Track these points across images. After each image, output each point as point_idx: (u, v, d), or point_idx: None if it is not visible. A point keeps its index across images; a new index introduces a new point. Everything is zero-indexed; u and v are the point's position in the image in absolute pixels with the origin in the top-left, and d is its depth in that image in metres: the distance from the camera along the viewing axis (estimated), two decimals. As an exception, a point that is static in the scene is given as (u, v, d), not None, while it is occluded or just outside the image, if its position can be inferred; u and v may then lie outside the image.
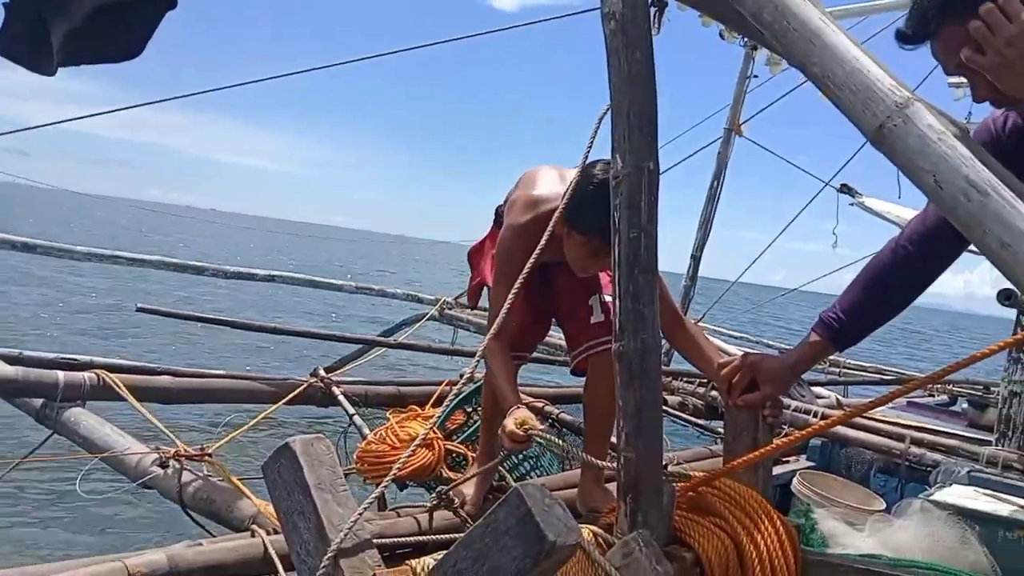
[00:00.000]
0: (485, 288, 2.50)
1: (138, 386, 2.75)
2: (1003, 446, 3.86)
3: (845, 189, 5.63)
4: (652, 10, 1.76)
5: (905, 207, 5.25)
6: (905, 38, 1.55)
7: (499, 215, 2.45)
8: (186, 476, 2.21)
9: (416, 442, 1.96)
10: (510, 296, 1.69)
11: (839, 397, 5.17)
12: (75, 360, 3.22)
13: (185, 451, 2.28)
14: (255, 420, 2.73)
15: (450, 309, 6.77)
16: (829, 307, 1.74)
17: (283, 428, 4.38)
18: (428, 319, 6.37)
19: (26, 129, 4.49)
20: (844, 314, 1.71)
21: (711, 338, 7.59)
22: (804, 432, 1.88)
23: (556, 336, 6.38)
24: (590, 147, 1.62)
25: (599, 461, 1.96)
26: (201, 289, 14.08)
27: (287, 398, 2.92)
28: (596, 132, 1.62)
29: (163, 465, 2.25)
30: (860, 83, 1.32)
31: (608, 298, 2.36)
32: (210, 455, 2.23)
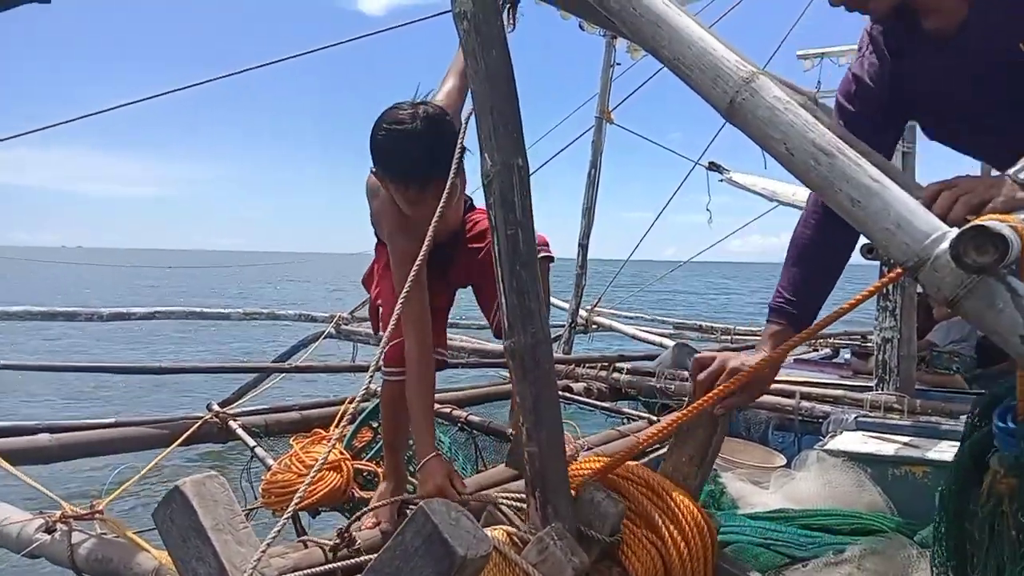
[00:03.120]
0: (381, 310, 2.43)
1: (12, 449, 2.55)
2: (882, 390, 4.15)
3: (713, 167, 5.89)
4: (505, 6, 1.77)
5: (770, 179, 5.54)
6: None
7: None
8: (76, 538, 2.05)
9: (317, 466, 1.90)
10: (414, 268, 1.61)
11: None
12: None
13: (72, 511, 2.12)
14: (148, 467, 2.57)
15: (347, 324, 6.65)
16: (774, 295, 1.74)
17: (183, 472, 4.16)
18: (325, 337, 6.23)
19: None
20: (794, 295, 1.72)
21: (611, 322, 7.71)
22: (700, 402, 1.85)
23: (456, 339, 6.38)
24: (461, 149, 1.62)
25: None
26: (77, 337, 13.22)
27: (181, 439, 2.77)
28: (464, 132, 1.61)
29: (49, 530, 2.08)
30: (708, 63, 1.37)
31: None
32: (101, 512, 2.08)
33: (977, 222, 1.10)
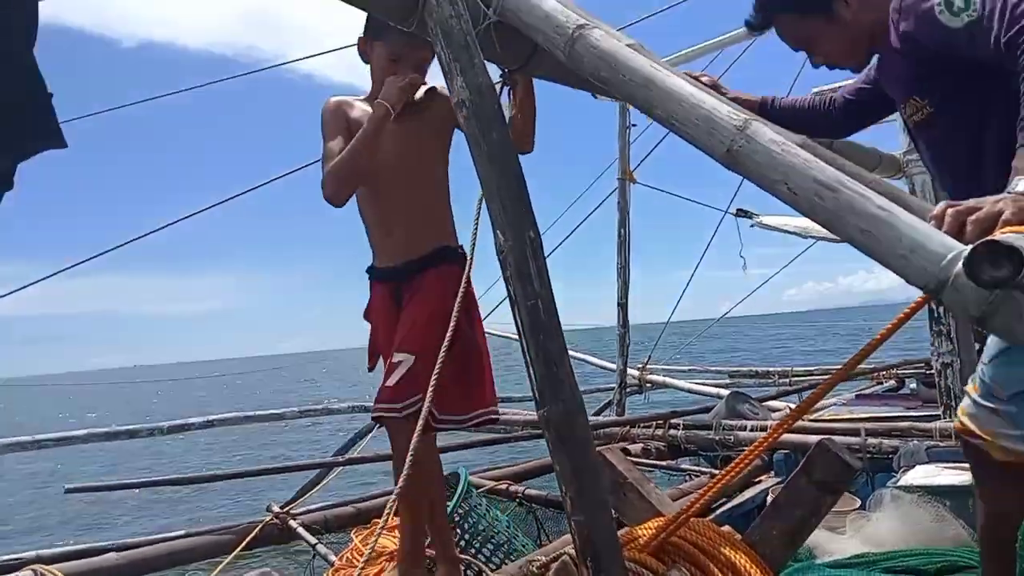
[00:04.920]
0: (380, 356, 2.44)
1: (84, 571, 2.60)
2: (949, 417, 3.98)
3: (742, 213, 5.88)
4: (504, 89, 1.85)
5: (799, 216, 5.48)
6: (752, 27, 1.98)
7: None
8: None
9: (363, 559, 1.91)
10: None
11: (791, 407, 5.26)
12: (17, 559, 3.05)
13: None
14: (213, 574, 2.60)
15: (400, 412, 6.65)
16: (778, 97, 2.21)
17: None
18: (381, 426, 6.24)
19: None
20: (778, 102, 2.20)
21: (664, 378, 7.57)
22: (753, 448, 1.80)
23: (508, 412, 6.35)
24: (476, 228, 1.67)
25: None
26: (143, 456, 13.50)
27: (243, 544, 2.79)
28: (479, 212, 1.67)
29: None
30: (700, 116, 1.41)
31: (399, 357, 2.25)
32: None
33: (987, 238, 1.09)
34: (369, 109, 2.27)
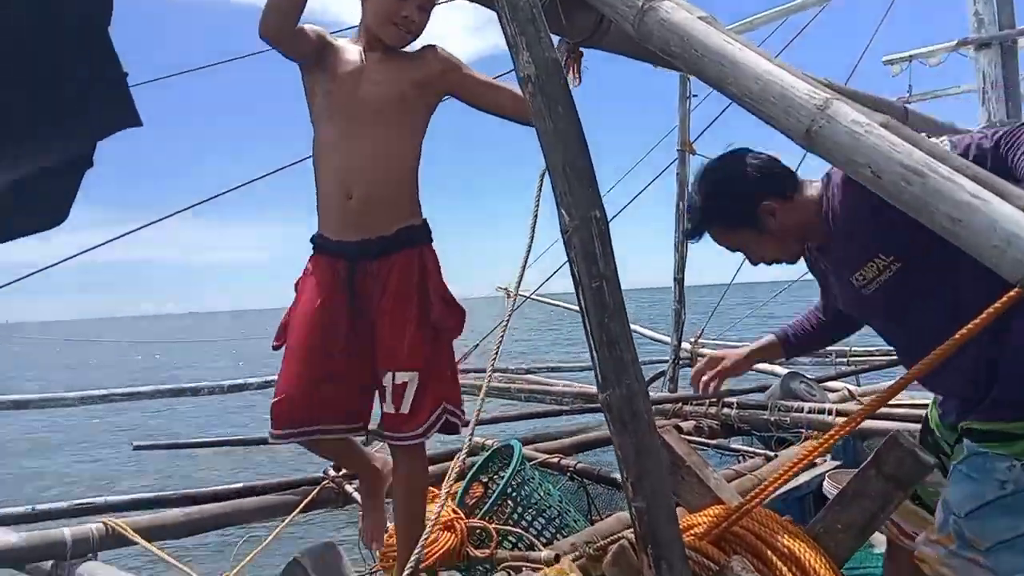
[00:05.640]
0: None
1: (149, 527, 2.70)
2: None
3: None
4: (569, 63, 1.80)
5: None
6: (689, 236, 2.08)
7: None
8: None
9: (428, 527, 1.93)
10: None
11: (850, 388, 5.13)
12: (89, 503, 3.19)
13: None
14: (271, 537, 2.67)
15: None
16: (784, 326, 2.31)
17: (302, 535, 4.27)
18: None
19: (50, 267, 4.26)
20: (794, 337, 2.28)
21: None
22: (830, 435, 1.57)
23: (559, 383, 6.34)
24: (536, 209, 1.64)
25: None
26: (203, 409, 13.94)
27: (299, 507, 2.87)
28: (540, 190, 1.64)
29: (185, 604, 2.20)
30: (777, 94, 1.34)
31: (403, 377, 2.08)
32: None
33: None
34: (354, 50, 2.11)
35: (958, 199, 1.20)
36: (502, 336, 1.97)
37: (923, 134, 1.36)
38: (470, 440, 2.19)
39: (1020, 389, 1.70)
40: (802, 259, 2.10)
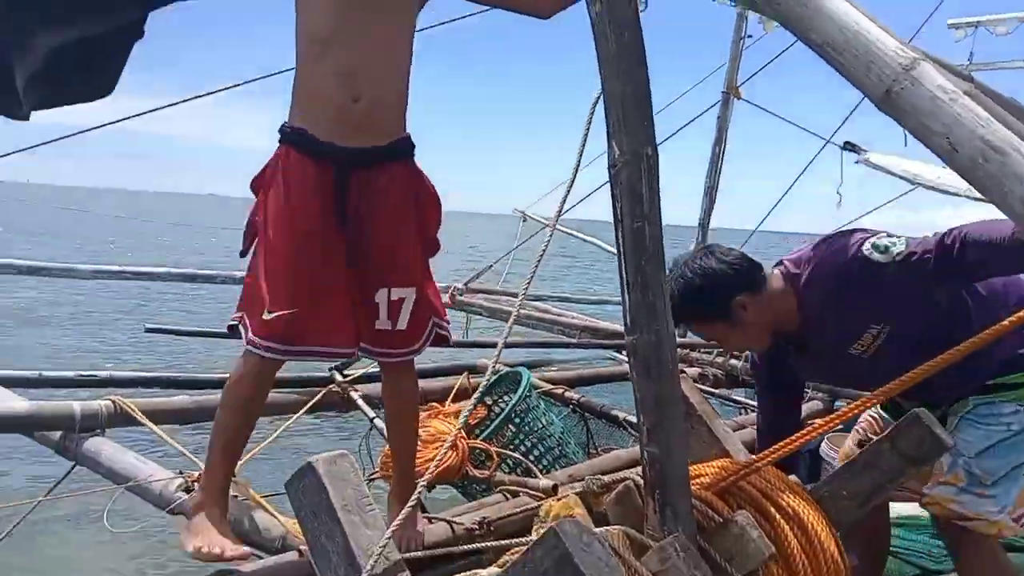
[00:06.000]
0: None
1: (156, 409, 2.73)
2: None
3: (849, 146, 5.50)
4: (639, -13, 1.70)
5: (912, 159, 5.14)
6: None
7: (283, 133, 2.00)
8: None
9: (444, 448, 1.94)
10: None
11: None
12: (95, 376, 3.25)
13: (209, 473, 2.25)
14: (276, 433, 2.71)
15: (460, 295, 6.74)
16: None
17: (304, 435, 4.35)
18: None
19: (86, 131, 4.15)
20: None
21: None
22: (854, 407, 1.60)
23: (567, 315, 6.34)
24: (586, 136, 1.57)
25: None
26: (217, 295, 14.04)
27: (305, 408, 2.90)
28: (591, 120, 1.57)
29: (188, 490, 2.23)
30: (861, 46, 1.26)
31: (401, 293, 2.01)
32: (235, 475, 2.20)
33: None
34: None
35: (1036, 183, 1.13)
36: (538, 261, 1.93)
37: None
38: (495, 364, 2.19)
39: (996, 361, 1.90)
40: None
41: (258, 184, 2.01)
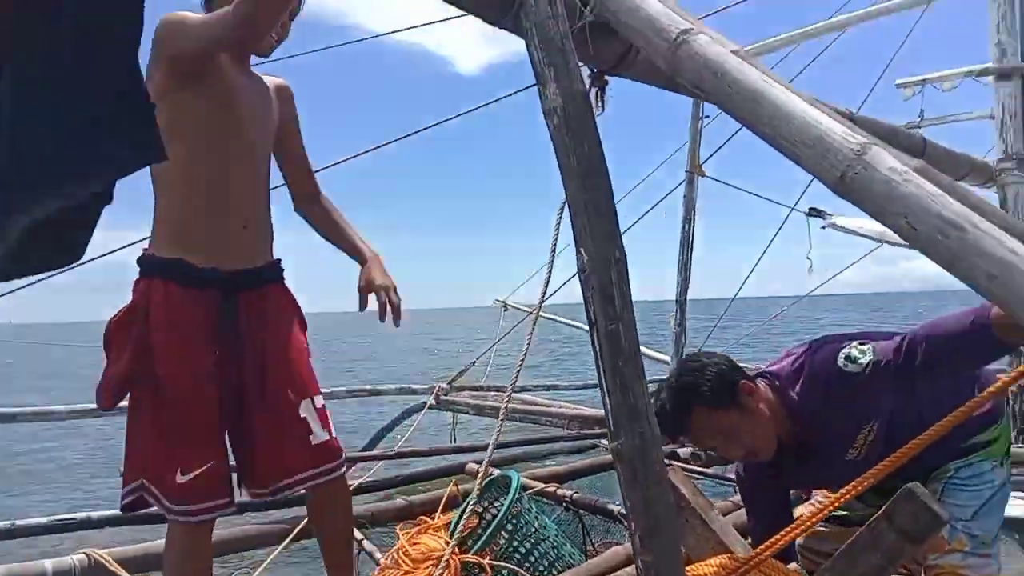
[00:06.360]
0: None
1: (134, 557, 2.60)
2: (1020, 442, 3.78)
3: (814, 212, 5.63)
4: (593, 90, 1.74)
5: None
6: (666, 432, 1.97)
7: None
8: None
9: (431, 566, 1.86)
10: None
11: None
12: (71, 519, 3.11)
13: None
14: (260, 569, 2.59)
15: (446, 395, 6.66)
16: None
17: (287, 568, 4.16)
18: (427, 409, 6.25)
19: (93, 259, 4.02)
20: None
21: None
22: (843, 493, 1.54)
23: (555, 404, 6.27)
24: (555, 242, 1.58)
25: None
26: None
27: (289, 538, 2.76)
28: (558, 226, 1.58)
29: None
30: (813, 136, 1.29)
31: (320, 400, 1.94)
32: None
33: None
34: (227, 64, 1.87)
35: (997, 256, 1.13)
36: (524, 355, 1.91)
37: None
38: (485, 470, 2.13)
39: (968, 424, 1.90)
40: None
41: (118, 334, 1.82)
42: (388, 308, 1.97)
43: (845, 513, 2.14)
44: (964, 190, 1.35)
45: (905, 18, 5.68)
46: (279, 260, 2.03)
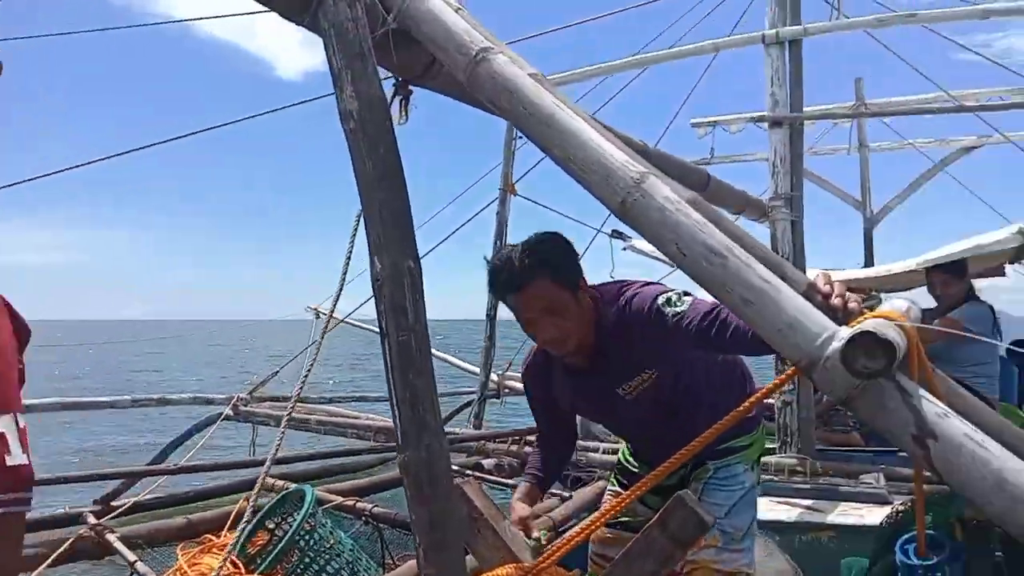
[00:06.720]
0: None
1: None
2: (784, 453, 4.23)
3: (616, 235, 5.99)
4: (396, 99, 1.73)
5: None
6: (507, 287, 2.00)
7: None
8: None
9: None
10: None
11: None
12: None
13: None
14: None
15: (246, 405, 6.32)
16: (532, 466, 2.32)
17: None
18: (222, 419, 5.88)
19: None
20: (542, 472, 2.30)
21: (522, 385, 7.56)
22: (626, 496, 1.69)
23: (363, 415, 6.14)
24: (350, 251, 1.55)
25: None
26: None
27: (49, 560, 2.47)
28: (355, 233, 1.55)
29: None
30: (598, 163, 1.36)
31: (23, 420, 1.82)
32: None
33: (864, 327, 1.10)
34: None
35: (751, 282, 1.25)
36: (312, 361, 1.85)
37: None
38: (262, 481, 2.03)
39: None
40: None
41: None
42: None
43: (627, 519, 2.22)
44: (730, 223, 1.48)
45: (700, 63, 6.20)
46: None
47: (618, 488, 2.37)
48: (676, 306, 1.93)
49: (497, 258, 2.03)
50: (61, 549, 2.51)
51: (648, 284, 2.08)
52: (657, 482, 1.49)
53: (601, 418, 2.39)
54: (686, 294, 1.96)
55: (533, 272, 1.94)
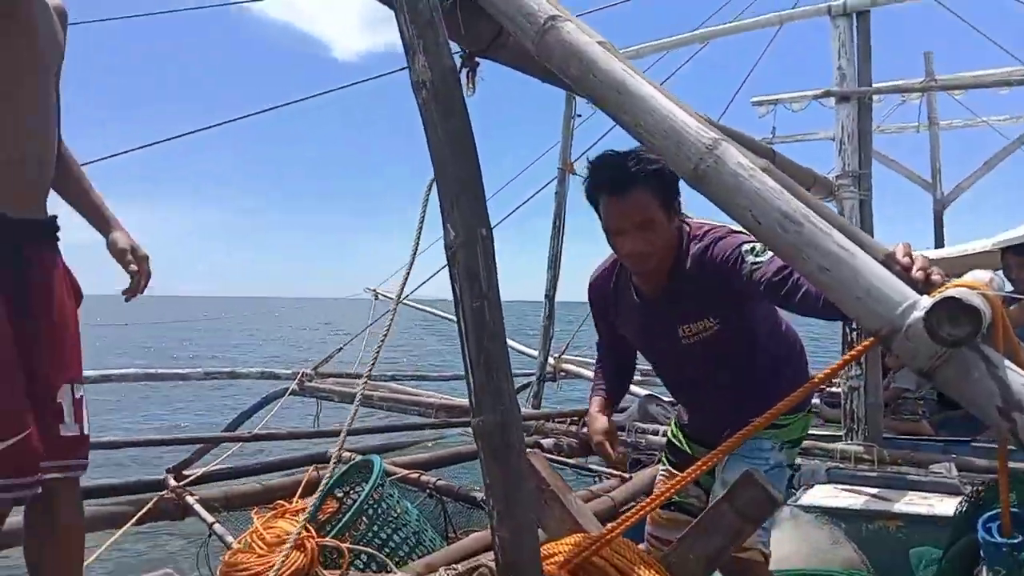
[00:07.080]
0: None
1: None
2: (851, 440, 4.14)
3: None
4: (463, 70, 1.75)
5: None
6: (611, 187, 1.97)
7: None
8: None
9: (284, 549, 1.81)
10: None
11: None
12: None
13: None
14: (96, 553, 2.43)
15: (310, 381, 6.49)
16: (601, 384, 2.35)
17: (135, 541, 3.92)
18: (288, 395, 6.07)
19: None
20: (613, 390, 2.35)
21: (579, 369, 7.54)
22: (689, 472, 1.66)
23: (423, 393, 6.25)
24: (422, 219, 1.58)
25: None
26: None
27: (134, 518, 2.62)
28: (426, 202, 1.58)
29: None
30: (669, 128, 1.35)
31: (80, 390, 1.73)
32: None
33: (949, 294, 1.08)
34: None
35: (828, 249, 1.23)
36: (382, 341, 1.90)
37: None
38: (339, 453, 2.10)
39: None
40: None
41: None
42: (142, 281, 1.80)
43: (679, 499, 2.19)
44: (803, 192, 1.46)
45: (760, 39, 6.05)
46: (55, 218, 1.77)
47: (670, 468, 2.34)
48: (760, 257, 1.88)
49: (602, 155, 1.99)
50: (145, 509, 2.65)
51: (736, 232, 2.00)
52: (710, 466, 1.49)
53: (650, 352, 2.32)
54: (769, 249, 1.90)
55: (640, 180, 1.90)
